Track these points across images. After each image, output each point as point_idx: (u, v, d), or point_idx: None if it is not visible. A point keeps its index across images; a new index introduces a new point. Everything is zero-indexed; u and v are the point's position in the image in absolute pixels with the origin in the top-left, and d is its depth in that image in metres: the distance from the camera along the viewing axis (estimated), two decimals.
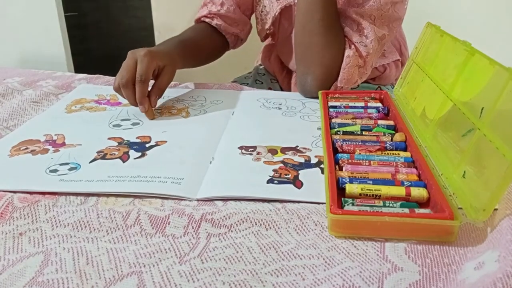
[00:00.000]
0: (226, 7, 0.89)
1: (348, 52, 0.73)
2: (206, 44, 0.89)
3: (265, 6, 0.88)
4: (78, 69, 1.43)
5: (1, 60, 1.45)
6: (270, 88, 0.99)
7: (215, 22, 0.90)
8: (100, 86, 0.85)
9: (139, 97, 0.67)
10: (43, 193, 0.48)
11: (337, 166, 0.49)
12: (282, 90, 0.99)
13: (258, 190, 0.48)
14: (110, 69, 1.59)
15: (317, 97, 0.76)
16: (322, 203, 0.46)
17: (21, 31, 1.39)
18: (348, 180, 0.46)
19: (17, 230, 0.42)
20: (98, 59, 1.54)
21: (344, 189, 0.45)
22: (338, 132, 0.58)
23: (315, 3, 0.72)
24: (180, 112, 0.72)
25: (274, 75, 1.01)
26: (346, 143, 0.54)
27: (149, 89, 0.70)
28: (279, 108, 0.73)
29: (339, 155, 0.52)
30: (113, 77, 0.91)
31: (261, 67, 1.05)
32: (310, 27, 0.73)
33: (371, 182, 0.46)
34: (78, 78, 0.88)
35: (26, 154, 0.57)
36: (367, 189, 0.44)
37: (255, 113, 0.71)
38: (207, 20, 0.90)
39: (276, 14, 0.87)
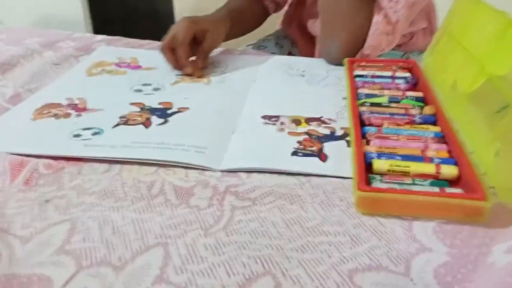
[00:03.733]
0: None
1: (376, 18, 0.70)
2: (249, 13, 0.89)
3: None
4: (96, 31, 1.42)
5: (18, 22, 1.44)
6: (290, 52, 0.97)
7: None
8: (121, 48, 0.83)
9: (180, 59, 0.70)
10: (68, 159, 0.48)
11: (364, 140, 0.48)
12: (301, 55, 0.97)
13: (282, 162, 0.47)
14: (129, 31, 1.57)
15: (341, 65, 0.74)
16: (348, 178, 0.45)
17: None
18: (375, 155, 0.45)
19: (42, 197, 0.42)
20: (117, 22, 1.51)
21: (371, 164, 0.44)
22: (365, 104, 0.56)
23: None
24: (201, 78, 0.70)
25: (295, 40, 0.98)
26: (373, 116, 0.53)
27: None
28: (302, 76, 0.71)
29: (366, 128, 0.50)
30: (133, 39, 0.90)
31: (281, 31, 1.02)
32: None
33: (399, 158, 0.44)
34: (98, 40, 0.87)
35: (49, 118, 0.57)
36: (395, 165, 0.43)
37: (278, 80, 0.69)
38: None
39: None
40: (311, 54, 0.95)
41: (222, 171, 0.47)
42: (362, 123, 0.52)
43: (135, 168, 0.47)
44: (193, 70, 0.70)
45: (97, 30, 1.42)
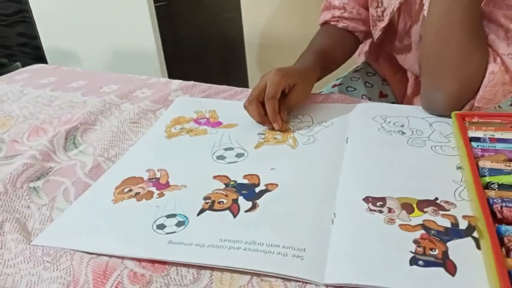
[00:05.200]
0: (349, 10, 0.81)
1: (492, 67, 0.59)
2: (339, 47, 0.82)
3: (382, 2, 0.76)
4: (168, 57, 1.40)
5: (94, 52, 1.46)
6: (381, 92, 0.87)
7: (341, 24, 0.82)
8: (198, 99, 0.79)
9: (270, 114, 0.65)
10: (153, 262, 0.44)
11: (503, 248, 0.39)
12: (394, 94, 0.87)
13: (401, 278, 0.39)
14: (199, 55, 1.54)
15: (446, 115, 0.64)
16: None
17: (112, 23, 1.38)
18: None
19: None
20: (187, 46, 1.50)
21: None
22: (492, 185, 0.47)
23: (455, 7, 0.58)
24: (286, 138, 0.64)
25: (384, 77, 0.89)
26: (506, 206, 0.43)
27: None
28: (403, 133, 0.62)
29: (502, 228, 0.41)
30: (209, 85, 0.85)
31: (368, 66, 0.93)
32: (446, 36, 0.60)
33: None
34: (174, 88, 0.84)
35: (130, 199, 0.53)
36: None
37: (374, 140, 0.61)
38: (332, 23, 0.83)
39: (395, 9, 0.74)
40: (404, 91, 0.85)
41: (327, 285, 0.40)
42: (492, 213, 0.43)
43: (226, 278, 0.41)
44: (280, 126, 0.65)
45: (168, 54, 1.41)
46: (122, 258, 0.44)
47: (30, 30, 1.58)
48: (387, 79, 0.88)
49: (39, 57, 1.55)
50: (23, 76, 0.99)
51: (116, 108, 0.78)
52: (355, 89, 0.87)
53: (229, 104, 0.77)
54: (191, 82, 0.86)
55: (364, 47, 0.96)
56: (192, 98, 0.80)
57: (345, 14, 0.81)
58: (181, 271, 0.43)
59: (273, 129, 0.66)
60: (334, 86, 0.89)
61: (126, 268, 0.43)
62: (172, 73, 1.40)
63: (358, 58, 0.97)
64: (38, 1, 1.48)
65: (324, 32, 0.84)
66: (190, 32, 1.48)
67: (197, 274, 0.42)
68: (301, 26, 1.70)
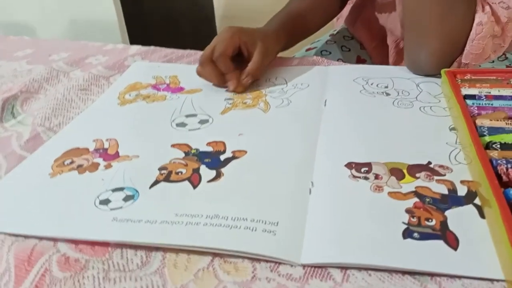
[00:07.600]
0: None
1: (480, 18, 0.53)
2: (317, 9, 0.74)
3: None
4: (132, 32, 1.30)
5: (51, 26, 1.35)
6: (359, 57, 0.80)
7: None
8: (158, 63, 0.70)
9: (224, 71, 0.59)
10: (93, 244, 0.36)
11: None
12: (371, 60, 0.80)
13: (393, 254, 0.32)
14: (166, 31, 1.44)
15: (434, 75, 0.58)
16: (498, 280, 0.30)
17: None
18: None
19: None
20: (153, 19, 1.39)
21: None
22: (494, 145, 0.40)
23: None
24: (257, 102, 0.56)
25: (362, 43, 0.81)
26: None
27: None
28: (387, 94, 0.55)
29: (510, 192, 0.34)
30: (171, 50, 0.76)
31: (346, 30, 0.85)
32: None
33: None
34: (132, 53, 0.74)
35: (71, 171, 0.45)
36: None
37: (356, 102, 0.54)
38: None
39: None
40: (379, 60, 0.78)
41: (304, 266, 0.32)
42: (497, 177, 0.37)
43: (182, 260, 0.34)
44: (235, 85, 0.58)
45: (132, 31, 1.30)
46: (55, 240, 0.36)
47: None
48: (364, 45, 0.81)
49: None
50: None
51: (65, 75, 0.69)
52: (330, 53, 0.79)
53: (192, 68, 0.67)
54: (152, 47, 0.77)
55: (344, 10, 0.88)
56: (151, 63, 0.71)
57: None
58: (126, 254, 0.35)
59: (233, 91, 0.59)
60: (308, 50, 0.81)
61: (57, 252, 0.35)
62: None
63: (337, 22, 0.89)
64: None
65: None
66: (156, 4, 1.38)
67: (146, 257, 0.34)
68: None
